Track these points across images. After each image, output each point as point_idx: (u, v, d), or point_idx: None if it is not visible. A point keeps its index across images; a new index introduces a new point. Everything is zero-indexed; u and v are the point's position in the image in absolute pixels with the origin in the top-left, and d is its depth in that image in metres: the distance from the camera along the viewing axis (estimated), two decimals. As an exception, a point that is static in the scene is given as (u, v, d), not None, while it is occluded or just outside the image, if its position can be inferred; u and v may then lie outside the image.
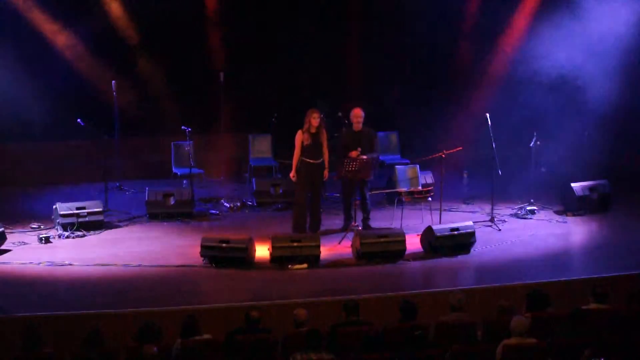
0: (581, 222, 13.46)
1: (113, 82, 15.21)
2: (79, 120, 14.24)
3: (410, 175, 13.47)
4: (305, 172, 12.33)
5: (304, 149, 12.32)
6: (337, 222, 13.03)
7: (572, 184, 13.84)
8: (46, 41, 16.04)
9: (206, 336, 8.23)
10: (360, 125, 12.50)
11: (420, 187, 13.42)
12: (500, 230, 12.96)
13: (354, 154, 12.28)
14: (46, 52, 16.01)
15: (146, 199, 13.66)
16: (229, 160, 16.06)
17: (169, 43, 16.47)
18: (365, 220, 12.62)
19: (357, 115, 12.50)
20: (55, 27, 16.04)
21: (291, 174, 12.50)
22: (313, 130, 12.27)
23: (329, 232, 12.61)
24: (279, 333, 8.39)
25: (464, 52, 17.32)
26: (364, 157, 12.28)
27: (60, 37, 16.11)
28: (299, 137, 12.33)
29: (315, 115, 12.27)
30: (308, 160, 12.32)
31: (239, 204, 14.33)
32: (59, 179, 15.76)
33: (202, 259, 11.43)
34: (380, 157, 15.38)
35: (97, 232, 12.90)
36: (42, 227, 12.97)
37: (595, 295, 8.71)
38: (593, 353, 7.72)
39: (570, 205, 13.82)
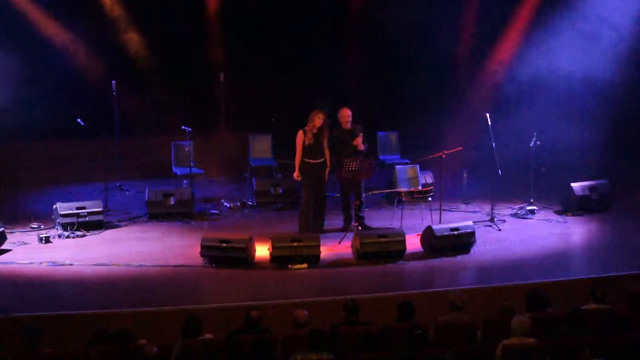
0: (581, 222, 13.45)
1: (113, 82, 15.21)
2: (78, 120, 14.24)
3: (410, 175, 13.47)
4: (307, 172, 12.36)
5: (305, 149, 12.33)
6: (337, 222, 13.04)
7: (572, 184, 13.83)
8: (46, 41, 16.06)
9: (207, 336, 8.24)
10: (350, 125, 12.54)
11: (420, 187, 13.42)
12: (500, 230, 12.96)
13: (356, 141, 12.30)
14: (46, 52, 16.02)
15: (146, 199, 13.66)
16: (229, 160, 16.05)
17: (169, 42, 16.47)
18: (361, 219, 12.61)
19: (346, 115, 12.55)
20: (55, 26, 16.05)
21: (295, 174, 12.54)
22: (315, 131, 12.29)
23: (329, 232, 12.61)
24: (279, 333, 8.39)
25: (464, 51, 17.36)
26: (362, 146, 12.33)
27: (59, 36, 16.12)
28: (300, 137, 12.35)
29: (320, 116, 12.30)
30: (309, 160, 12.34)
31: (239, 204, 14.33)
32: (59, 179, 15.76)
33: (202, 259, 11.43)
34: (380, 157, 15.51)
35: (97, 232, 12.91)
36: (42, 227, 12.97)
37: (594, 296, 8.71)
38: (593, 353, 7.73)
39: (570, 205, 13.81)
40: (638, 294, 8.93)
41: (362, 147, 12.46)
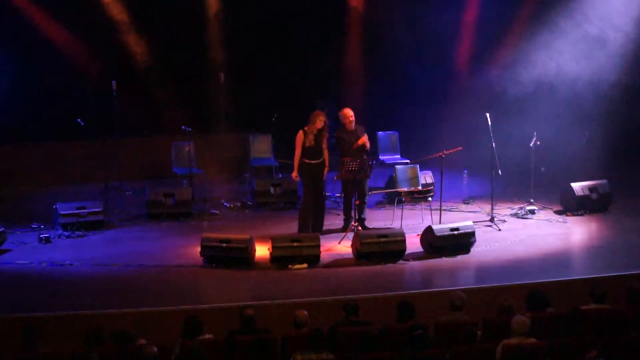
0: (581, 222, 13.45)
1: (113, 82, 15.21)
2: (79, 120, 14.23)
3: (410, 175, 13.47)
4: (307, 173, 12.36)
5: (305, 150, 12.32)
6: (337, 222, 13.04)
7: (572, 184, 13.83)
8: (46, 40, 16.05)
9: (207, 336, 8.23)
10: (353, 125, 12.54)
11: (420, 187, 13.43)
12: (500, 230, 12.96)
13: (362, 139, 12.31)
14: (46, 52, 16.02)
15: (146, 199, 13.66)
16: (229, 160, 16.04)
17: (169, 43, 16.48)
18: (362, 220, 12.61)
19: (349, 115, 12.54)
20: (55, 26, 16.05)
21: (293, 174, 12.54)
22: (315, 132, 12.28)
23: (329, 232, 12.61)
24: (279, 333, 8.39)
25: (464, 51, 17.36)
26: (368, 143, 12.34)
27: (59, 36, 16.12)
28: (300, 138, 12.34)
29: (322, 117, 12.30)
30: (308, 161, 12.34)
31: (239, 204, 14.33)
32: (59, 179, 15.76)
33: (202, 259, 11.43)
34: (380, 157, 15.51)
35: (97, 232, 12.91)
36: (42, 227, 12.97)
37: (593, 296, 8.71)
38: (600, 353, 7.73)
39: (570, 205, 13.82)
40: (638, 294, 8.93)
41: (368, 145, 12.48)
